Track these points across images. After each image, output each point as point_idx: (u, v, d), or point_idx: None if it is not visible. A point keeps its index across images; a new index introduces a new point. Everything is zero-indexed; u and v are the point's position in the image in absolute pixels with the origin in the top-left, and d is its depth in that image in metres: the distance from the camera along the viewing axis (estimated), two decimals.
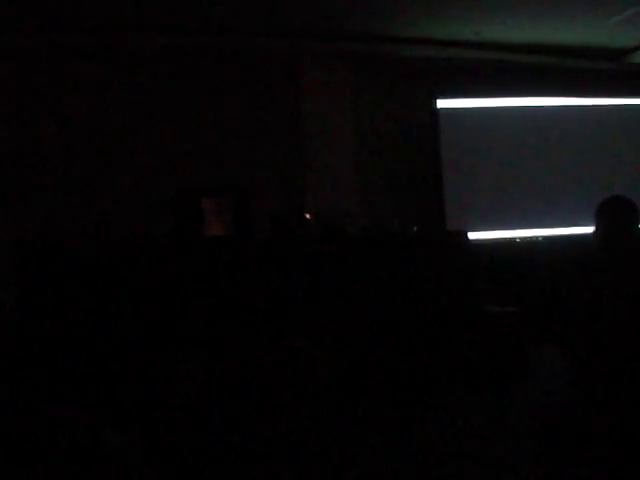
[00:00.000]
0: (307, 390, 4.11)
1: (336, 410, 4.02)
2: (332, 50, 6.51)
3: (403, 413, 4.09)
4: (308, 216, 5.53)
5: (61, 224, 5.72)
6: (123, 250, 4.95)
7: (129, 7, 5.45)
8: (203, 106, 6.37)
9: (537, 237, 6.59)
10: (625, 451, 1.97)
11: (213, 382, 4.09)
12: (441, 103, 6.70)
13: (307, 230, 5.36)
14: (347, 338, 4.73)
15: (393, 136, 6.80)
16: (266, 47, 6.38)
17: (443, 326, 4.92)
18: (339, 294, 4.88)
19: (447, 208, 6.53)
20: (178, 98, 6.31)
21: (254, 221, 5.99)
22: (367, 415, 4.02)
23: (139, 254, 4.91)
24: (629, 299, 2.22)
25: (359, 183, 6.62)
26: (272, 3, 5.56)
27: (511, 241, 6.57)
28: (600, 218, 2.50)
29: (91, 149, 6.09)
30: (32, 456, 1.15)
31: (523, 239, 6.58)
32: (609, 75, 7.17)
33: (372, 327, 4.82)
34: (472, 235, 5.67)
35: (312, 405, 4.03)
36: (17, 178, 5.87)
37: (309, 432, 3.69)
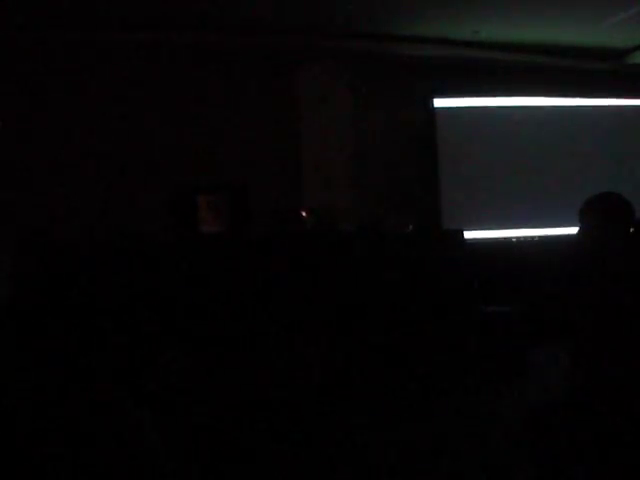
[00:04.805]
0: (302, 389, 4.09)
1: (331, 409, 4.00)
2: (329, 48, 6.48)
3: (401, 412, 4.08)
4: (304, 213, 5.52)
5: (56, 221, 5.70)
6: (119, 247, 4.93)
7: (129, 5, 5.43)
8: (200, 103, 6.35)
9: (533, 237, 6.60)
10: (623, 450, 1.96)
11: (208, 379, 4.06)
12: (438, 102, 6.69)
13: (303, 227, 5.35)
14: (343, 337, 4.72)
15: (390, 134, 6.79)
16: (264, 45, 6.36)
17: (439, 325, 4.92)
18: (334, 292, 4.86)
19: (443, 207, 6.53)
20: (175, 95, 6.29)
21: (250, 218, 5.97)
22: (365, 414, 4.01)
23: (135, 251, 4.89)
24: (612, 302, 2.18)
25: (355, 181, 6.61)
26: (270, 2, 5.53)
27: (507, 240, 6.57)
28: (582, 217, 2.42)
29: (87, 146, 6.06)
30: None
31: (519, 239, 6.58)
32: (608, 75, 7.17)
33: (368, 326, 4.81)
34: (468, 234, 5.67)
35: (307, 404, 4.01)
36: (16, 177, 5.85)
37: (304, 430, 3.68)
